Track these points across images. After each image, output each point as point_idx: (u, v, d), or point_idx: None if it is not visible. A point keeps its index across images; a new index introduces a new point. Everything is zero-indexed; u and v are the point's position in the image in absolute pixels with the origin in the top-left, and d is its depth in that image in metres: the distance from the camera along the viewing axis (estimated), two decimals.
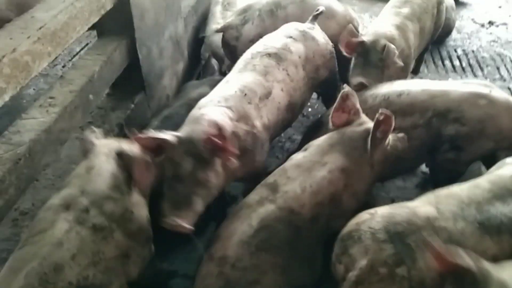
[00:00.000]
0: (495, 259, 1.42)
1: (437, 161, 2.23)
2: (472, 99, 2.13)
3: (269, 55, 2.19)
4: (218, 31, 2.77)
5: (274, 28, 2.55)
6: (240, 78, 2.10)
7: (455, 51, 3.94)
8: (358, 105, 1.97)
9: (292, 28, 2.43)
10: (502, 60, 3.80)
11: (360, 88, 2.38)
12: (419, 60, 3.36)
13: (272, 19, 2.75)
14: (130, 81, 2.60)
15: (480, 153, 2.14)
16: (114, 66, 2.40)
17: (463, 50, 3.94)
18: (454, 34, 4.12)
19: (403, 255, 1.43)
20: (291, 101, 2.20)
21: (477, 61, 3.78)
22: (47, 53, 1.79)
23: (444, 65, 3.72)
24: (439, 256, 1.19)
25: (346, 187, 1.81)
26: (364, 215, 1.59)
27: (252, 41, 2.53)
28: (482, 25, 4.39)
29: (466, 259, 1.18)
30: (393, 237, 1.46)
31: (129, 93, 2.62)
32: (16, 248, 1.54)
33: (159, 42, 2.81)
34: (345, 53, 2.51)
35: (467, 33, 4.25)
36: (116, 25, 2.41)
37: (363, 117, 1.98)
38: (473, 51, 3.93)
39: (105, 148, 1.79)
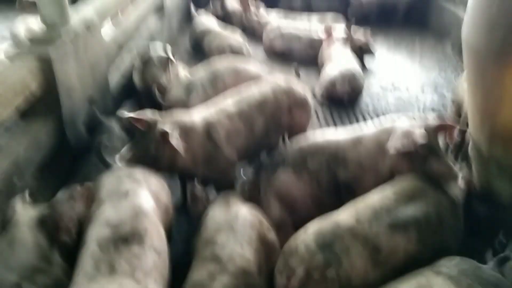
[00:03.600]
0: (406, 252, 1.85)
1: None
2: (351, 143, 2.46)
3: None
4: (165, 104, 2.87)
5: (215, 96, 2.80)
6: None
7: (368, 112, 4.37)
8: None
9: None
10: None
11: None
12: None
13: (213, 90, 2.95)
14: (59, 160, 2.57)
15: None
16: (41, 147, 2.37)
17: (374, 109, 4.40)
18: (364, 96, 4.59)
19: (330, 260, 1.77)
20: None
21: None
22: None
23: (358, 121, 4.11)
24: None
25: None
26: (299, 233, 1.94)
27: None
28: (385, 89, 4.95)
29: None
30: (322, 247, 1.80)
31: (58, 172, 2.58)
32: None
33: (87, 120, 2.83)
34: None
35: (375, 93, 4.76)
36: (42, 106, 2.42)
37: None
38: (382, 109, 4.39)
39: (25, 217, 1.76)
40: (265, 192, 2.40)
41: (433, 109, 4.43)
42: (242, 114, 2.59)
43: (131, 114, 2.27)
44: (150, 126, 2.25)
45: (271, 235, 2.07)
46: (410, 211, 1.96)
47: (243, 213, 2.04)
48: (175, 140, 2.22)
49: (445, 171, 2.18)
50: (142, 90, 3.35)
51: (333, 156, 2.41)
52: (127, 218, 1.74)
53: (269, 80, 2.88)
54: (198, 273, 1.76)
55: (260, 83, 2.82)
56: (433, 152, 2.20)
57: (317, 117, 4.21)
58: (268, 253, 1.98)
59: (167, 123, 2.30)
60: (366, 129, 2.57)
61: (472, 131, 2.27)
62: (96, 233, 1.70)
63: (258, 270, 1.84)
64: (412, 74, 5.31)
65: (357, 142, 2.46)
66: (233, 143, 2.52)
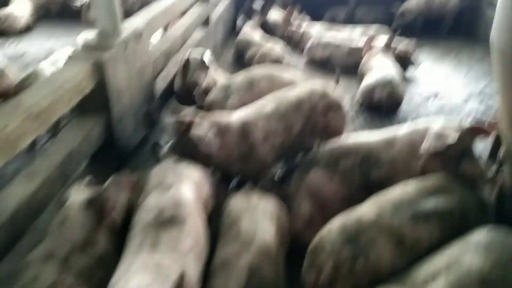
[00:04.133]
0: (431, 241, 1.90)
1: None
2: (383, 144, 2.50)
3: None
4: (205, 106, 3.08)
5: (251, 100, 2.93)
6: None
7: (405, 120, 4.36)
8: None
9: None
10: None
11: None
12: None
13: (249, 94, 3.12)
14: (107, 155, 2.84)
15: None
16: (92, 142, 2.64)
17: (413, 120, 4.37)
18: (404, 105, 4.58)
19: (357, 253, 1.82)
20: None
21: None
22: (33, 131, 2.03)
23: None
24: None
25: None
26: (323, 232, 1.98)
27: None
28: (428, 98, 4.90)
29: None
30: (347, 241, 1.86)
31: (105, 167, 2.84)
32: None
33: (134, 121, 3.10)
34: None
35: (415, 104, 4.73)
36: (95, 104, 2.71)
37: None
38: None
39: (77, 199, 1.97)
40: (297, 190, 2.48)
41: (476, 119, 4.33)
42: (279, 115, 2.69)
43: (173, 116, 2.47)
44: (188, 125, 2.43)
45: (287, 226, 2.24)
46: (432, 204, 2.00)
47: (263, 202, 2.20)
48: (199, 132, 2.39)
49: (477, 173, 2.20)
50: (180, 91, 3.60)
51: (366, 157, 2.46)
52: (169, 206, 1.93)
53: (306, 84, 3.00)
54: (224, 251, 1.92)
55: (297, 87, 2.95)
56: (466, 154, 2.23)
57: (356, 125, 4.25)
58: (284, 242, 2.14)
59: (204, 122, 2.48)
60: (398, 130, 2.61)
61: (504, 133, 2.26)
62: (141, 218, 1.89)
63: (277, 252, 1.99)
64: (457, 85, 5.21)
65: (390, 143, 2.50)
66: (269, 143, 2.62)
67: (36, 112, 2.04)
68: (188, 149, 2.44)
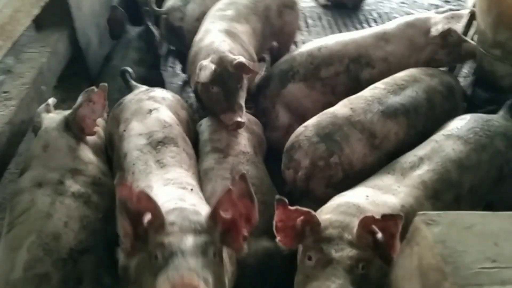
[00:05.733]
0: (397, 135, 1.97)
1: None
2: (374, 42, 2.47)
3: None
4: (161, 13, 2.85)
5: (212, 3, 2.73)
6: None
7: (371, 14, 4.35)
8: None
9: None
10: None
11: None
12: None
13: None
14: (76, 71, 2.66)
15: None
16: (59, 57, 2.45)
17: (378, 13, 4.36)
18: None
19: (333, 148, 1.87)
20: None
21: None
22: None
23: (363, 27, 4.11)
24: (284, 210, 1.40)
25: None
26: (300, 129, 2.01)
27: (198, 19, 2.70)
28: None
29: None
30: (323, 138, 1.90)
31: (76, 83, 2.67)
32: (3, 234, 1.60)
33: (98, 31, 2.87)
34: None
35: None
36: (55, 16, 2.45)
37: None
38: (386, 13, 4.36)
39: (53, 123, 1.87)
40: (274, 104, 2.46)
41: (437, 7, 4.40)
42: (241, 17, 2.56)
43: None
44: None
45: (259, 129, 2.34)
46: (398, 99, 2.05)
47: None
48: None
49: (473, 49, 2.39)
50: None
51: (354, 59, 2.43)
52: (157, 128, 1.88)
53: None
54: (207, 162, 1.98)
55: None
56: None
57: (321, 24, 4.20)
58: (259, 143, 2.24)
59: None
60: (385, 26, 2.59)
61: (479, 18, 2.33)
62: (133, 144, 1.82)
63: (254, 151, 2.09)
64: None
65: (381, 38, 2.47)
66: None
67: None
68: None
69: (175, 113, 2.07)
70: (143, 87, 2.23)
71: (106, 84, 1.90)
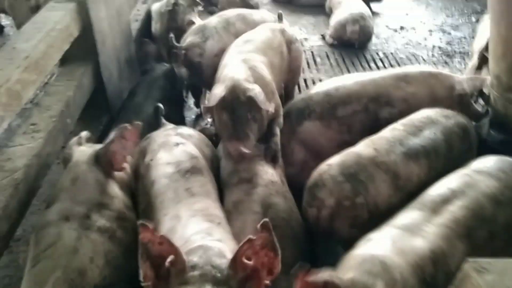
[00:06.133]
0: (419, 177, 1.99)
1: None
2: (394, 83, 2.53)
3: None
4: (182, 49, 2.92)
5: (230, 42, 2.81)
6: None
7: (377, 54, 4.49)
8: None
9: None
10: (416, 59, 4.42)
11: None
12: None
13: (227, 35, 3.01)
14: (97, 104, 2.70)
15: None
16: (84, 90, 2.49)
17: (384, 53, 4.51)
18: (373, 39, 4.69)
19: (358, 188, 1.88)
20: None
21: (396, 61, 4.35)
22: (33, 81, 1.88)
23: (370, 67, 4.23)
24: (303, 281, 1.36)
25: None
26: (323, 167, 2.01)
27: (217, 55, 2.77)
28: (395, 30, 5.05)
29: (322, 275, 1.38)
30: (348, 177, 1.90)
31: (96, 116, 2.71)
32: (27, 268, 1.56)
33: (119, 65, 2.93)
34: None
35: (384, 38, 4.86)
36: (81, 51, 2.51)
37: None
38: (391, 53, 4.51)
39: (83, 156, 1.89)
40: (289, 140, 2.46)
41: (440, 48, 4.57)
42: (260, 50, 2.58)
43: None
44: None
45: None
46: (418, 141, 2.08)
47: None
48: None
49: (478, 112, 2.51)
50: (162, 37, 3.40)
51: (373, 98, 2.46)
52: (184, 158, 1.91)
53: (264, 25, 2.96)
54: (236, 195, 1.95)
55: (257, 30, 2.87)
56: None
57: (329, 63, 4.32)
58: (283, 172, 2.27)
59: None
60: (406, 68, 2.67)
61: (493, 63, 2.42)
62: (161, 172, 1.84)
63: (281, 180, 2.10)
64: (420, 18, 5.40)
65: (402, 80, 2.52)
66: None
67: (34, 61, 1.87)
68: None
69: (200, 149, 2.10)
70: (171, 125, 2.29)
71: (140, 123, 1.94)
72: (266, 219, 1.26)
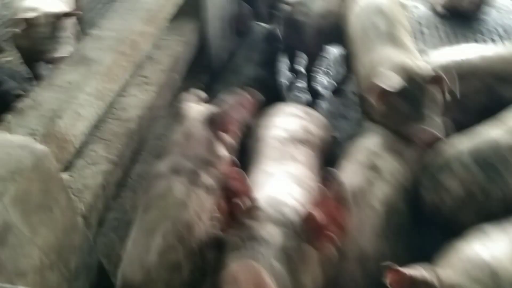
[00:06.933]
0: None
1: None
2: None
3: None
4: (286, 3, 2.78)
5: (338, 4, 2.63)
6: None
7: (495, 29, 4.00)
8: None
9: None
10: None
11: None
12: None
13: None
14: (199, 61, 2.71)
15: None
16: (192, 48, 2.50)
17: (504, 30, 4.00)
18: (493, 12, 4.18)
19: (496, 180, 1.65)
20: None
21: None
22: (151, 34, 1.90)
23: (484, 41, 3.80)
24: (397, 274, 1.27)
25: None
26: (448, 151, 1.79)
27: (323, 17, 2.60)
28: None
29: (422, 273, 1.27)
30: (483, 166, 1.68)
31: (197, 73, 2.73)
32: (139, 212, 1.63)
33: (222, 24, 2.90)
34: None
35: (505, 10, 4.31)
36: (190, 7, 2.50)
37: None
38: None
39: (198, 114, 1.90)
40: None
41: None
42: None
43: None
44: None
45: None
46: None
47: None
48: None
49: None
50: None
51: (491, 75, 2.21)
52: (299, 128, 1.91)
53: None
54: (359, 182, 1.74)
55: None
56: None
57: (439, 35, 3.94)
58: None
59: None
60: None
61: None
62: (274, 133, 1.86)
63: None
64: None
65: None
66: None
67: (153, 14, 1.89)
68: None
69: (317, 129, 2.03)
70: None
71: (262, 97, 1.95)
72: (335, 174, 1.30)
